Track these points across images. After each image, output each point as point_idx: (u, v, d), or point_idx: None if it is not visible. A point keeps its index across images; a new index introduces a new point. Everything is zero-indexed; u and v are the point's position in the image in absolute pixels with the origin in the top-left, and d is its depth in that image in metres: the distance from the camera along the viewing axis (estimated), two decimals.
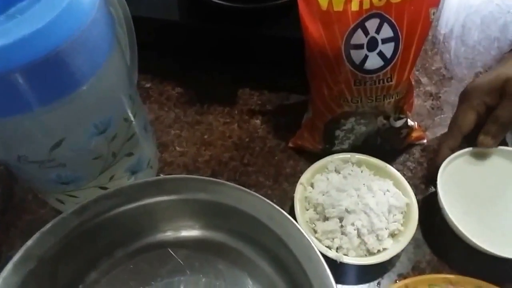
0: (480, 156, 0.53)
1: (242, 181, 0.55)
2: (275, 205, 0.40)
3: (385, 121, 0.52)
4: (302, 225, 0.47)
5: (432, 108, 0.63)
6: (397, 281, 0.48)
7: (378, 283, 0.48)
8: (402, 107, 0.51)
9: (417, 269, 0.49)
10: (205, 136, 0.59)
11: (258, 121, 0.61)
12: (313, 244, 0.38)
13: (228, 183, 0.41)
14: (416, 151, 0.58)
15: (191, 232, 0.45)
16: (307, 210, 0.50)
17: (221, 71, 0.66)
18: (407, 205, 0.49)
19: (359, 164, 0.53)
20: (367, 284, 0.48)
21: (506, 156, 0.53)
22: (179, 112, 0.62)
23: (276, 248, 0.41)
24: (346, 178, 0.51)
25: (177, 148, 0.58)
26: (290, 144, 0.58)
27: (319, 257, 0.38)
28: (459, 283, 0.46)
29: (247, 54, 0.64)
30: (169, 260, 0.45)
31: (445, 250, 0.50)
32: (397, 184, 0.51)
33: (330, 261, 0.44)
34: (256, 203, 0.41)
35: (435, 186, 0.49)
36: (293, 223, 0.39)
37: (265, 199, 0.40)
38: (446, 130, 0.60)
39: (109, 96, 0.40)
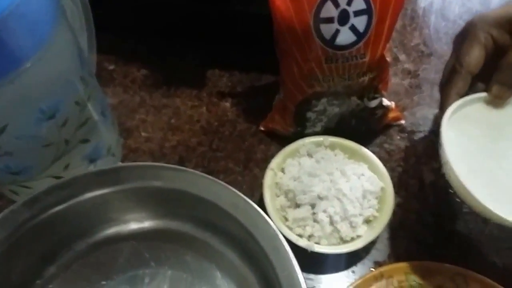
0: (494, 103, 0.45)
1: (210, 168, 0.53)
2: (239, 193, 0.38)
3: (359, 101, 0.50)
4: (272, 213, 0.45)
5: (411, 87, 0.61)
6: (373, 269, 0.46)
7: (353, 272, 0.46)
8: (376, 86, 0.49)
9: (393, 257, 0.47)
10: (172, 121, 0.57)
11: (227, 104, 0.59)
12: (279, 234, 0.36)
13: (190, 170, 0.39)
14: (394, 133, 0.56)
15: (154, 223, 0.43)
16: (278, 196, 0.48)
17: (189, 51, 0.64)
18: (382, 189, 0.47)
19: (332, 147, 0.51)
20: (341, 273, 0.46)
21: None
22: (144, 95, 0.59)
23: (244, 239, 0.39)
24: (318, 162, 0.49)
25: (143, 134, 0.56)
26: (261, 128, 0.56)
27: (286, 248, 0.36)
28: (438, 270, 0.45)
29: (216, 32, 0.61)
30: (132, 252, 0.43)
31: (423, 236, 0.48)
32: (372, 168, 0.49)
33: (301, 250, 0.43)
34: (219, 191, 0.39)
35: (437, 137, 0.42)
36: (259, 212, 0.37)
37: (229, 186, 0.38)
38: (425, 109, 0.58)
39: (56, 77, 0.37)
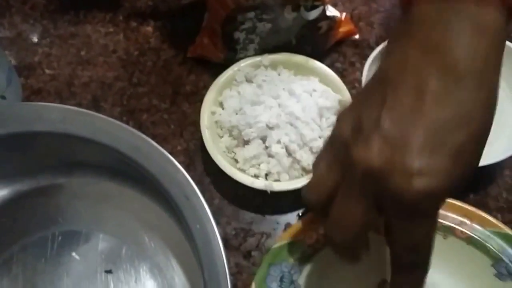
0: None
1: (131, 106, 0.50)
2: (140, 133, 0.34)
3: (294, 14, 0.45)
4: (217, 158, 0.42)
5: None
6: None
7: None
8: None
9: None
10: (82, 53, 0.53)
11: (149, 28, 0.54)
12: (190, 180, 0.33)
13: (76, 108, 0.35)
14: (347, 50, 0.52)
15: (59, 177, 0.40)
16: (221, 137, 0.45)
17: None
18: (340, 102, 0.45)
19: (274, 66, 0.47)
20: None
21: None
22: (47, 23, 0.55)
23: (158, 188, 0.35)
24: (260, 86, 0.46)
25: (47, 71, 0.52)
26: (189, 55, 0.51)
27: (198, 195, 0.32)
28: None
29: None
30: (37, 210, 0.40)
31: None
32: (324, 80, 0.46)
33: (260, 193, 0.41)
34: (117, 132, 0.34)
35: None
36: (163, 153, 0.33)
37: (127, 126, 0.34)
38: (386, 18, 0.53)
39: None
